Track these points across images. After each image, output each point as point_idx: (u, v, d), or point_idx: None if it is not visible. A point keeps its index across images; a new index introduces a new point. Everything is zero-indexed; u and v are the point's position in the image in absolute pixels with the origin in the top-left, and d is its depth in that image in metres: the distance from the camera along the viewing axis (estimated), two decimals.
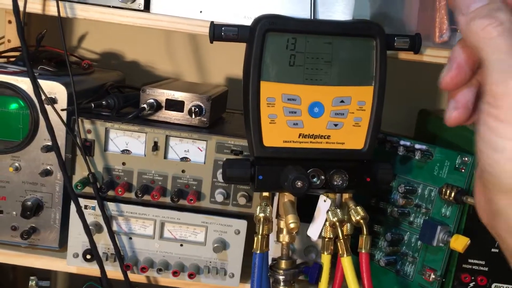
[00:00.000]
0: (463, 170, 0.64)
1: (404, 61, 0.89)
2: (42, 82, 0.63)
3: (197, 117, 0.66)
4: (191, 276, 0.65)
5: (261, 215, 0.57)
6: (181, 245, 0.67)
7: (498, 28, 0.29)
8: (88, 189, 0.65)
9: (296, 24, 0.55)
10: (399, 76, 0.96)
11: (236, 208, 0.66)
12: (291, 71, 0.56)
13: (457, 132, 0.75)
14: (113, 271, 0.67)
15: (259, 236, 0.57)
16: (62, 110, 0.63)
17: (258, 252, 0.57)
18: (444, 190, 0.64)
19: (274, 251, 0.67)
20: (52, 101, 0.64)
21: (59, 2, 0.61)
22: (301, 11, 0.60)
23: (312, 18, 0.59)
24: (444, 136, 0.78)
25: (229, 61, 0.95)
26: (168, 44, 0.97)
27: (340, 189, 0.58)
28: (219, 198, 0.65)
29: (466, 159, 0.64)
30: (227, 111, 0.82)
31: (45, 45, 0.85)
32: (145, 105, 0.64)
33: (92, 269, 0.66)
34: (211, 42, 0.56)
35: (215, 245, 0.65)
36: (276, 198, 0.64)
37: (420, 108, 0.94)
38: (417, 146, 0.69)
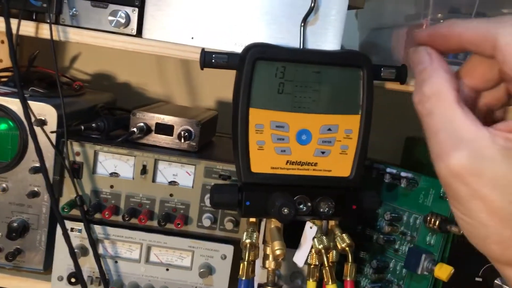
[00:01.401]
0: (447, 199, 0.65)
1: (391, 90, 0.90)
2: (32, 104, 0.64)
3: (186, 142, 0.66)
4: None
5: (248, 241, 0.57)
6: (167, 269, 0.66)
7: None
8: (76, 212, 0.65)
9: (286, 53, 0.56)
10: (386, 105, 0.97)
11: (223, 233, 0.66)
12: (280, 99, 0.57)
13: None
14: None
15: (245, 262, 0.57)
16: (52, 132, 0.63)
17: (244, 278, 0.57)
18: (429, 218, 0.65)
19: (260, 277, 0.67)
20: (42, 122, 0.64)
21: (52, 25, 0.62)
22: (291, 40, 0.61)
23: (301, 47, 0.61)
24: (430, 163, 0.79)
25: (219, 85, 0.96)
26: (160, 67, 0.98)
27: (326, 216, 0.58)
28: (207, 222, 0.65)
29: None
30: (217, 135, 0.82)
31: (36, 66, 0.85)
32: (134, 129, 0.65)
33: None
34: (202, 69, 0.57)
35: (201, 270, 0.65)
36: (263, 224, 0.64)
37: (406, 136, 0.95)
38: (402, 174, 0.70)
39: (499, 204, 0.27)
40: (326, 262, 0.58)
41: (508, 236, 0.28)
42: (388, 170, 0.72)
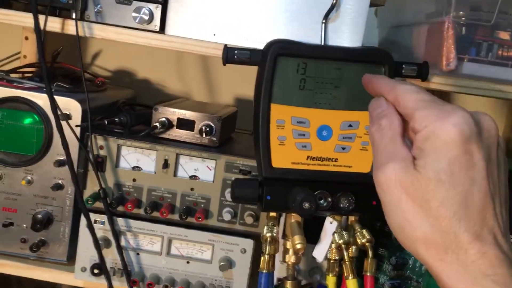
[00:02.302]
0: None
1: None
2: (58, 99, 0.65)
3: (207, 137, 0.67)
4: None
5: (268, 235, 0.58)
6: (188, 262, 0.67)
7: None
8: (98, 204, 0.66)
9: (307, 49, 0.57)
10: None
11: (243, 227, 0.67)
12: (301, 95, 0.57)
13: None
14: (120, 286, 0.67)
15: (266, 256, 0.57)
16: (77, 126, 0.64)
17: (265, 271, 0.57)
18: None
19: (279, 271, 0.67)
20: (67, 117, 0.65)
21: (78, 22, 0.63)
22: (311, 37, 0.62)
23: (322, 44, 0.61)
24: None
25: (238, 82, 0.97)
26: (179, 64, 0.99)
27: (346, 212, 0.59)
28: (227, 216, 0.66)
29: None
30: (236, 131, 0.83)
31: (59, 62, 0.87)
32: (157, 123, 0.66)
33: (99, 284, 0.67)
34: (224, 65, 0.58)
35: (221, 263, 0.66)
36: (282, 218, 0.65)
37: None
38: None
39: (412, 205, 0.34)
40: (346, 257, 0.58)
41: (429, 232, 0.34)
42: None
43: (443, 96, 0.96)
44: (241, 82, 0.97)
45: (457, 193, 0.33)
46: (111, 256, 0.67)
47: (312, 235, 0.62)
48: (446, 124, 0.33)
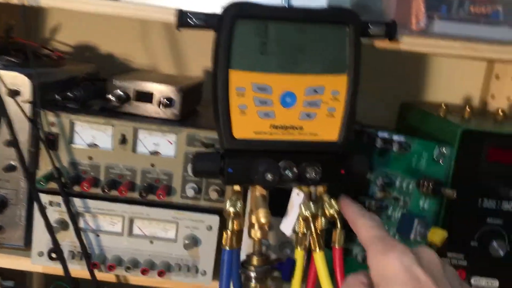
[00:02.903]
0: (441, 162, 0.63)
1: (385, 53, 0.87)
2: (4, 73, 0.61)
3: (167, 109, 0.63)
4: (161, 274, 0.63)
5: (231, 209, 0.55)
6: (151, 242, 0.64)
7: None
8: (54, 185, 0.62)
9: (267, 10, 0.53)
10: (379, 69, 0.94)
11: (208, 203, 0.64)
12: (262, 60, 0.53)
13: (437, 124, 0.73)
14: (80, 270, 0.64)
15: (228, 232, 0.54)
16: (24, 102, 0.60)
17: (227, 248, 0.54)
18: (421, 182, 0.62)
19: (248, 247, 0.65)
20: (15, 93, 0.61)
21: None
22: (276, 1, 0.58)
23: (284, 5, 0.57)
24: (424, 129, 0.77)
25: (207, 53, 0.92)
26: (145, 35, 0.94)
27: (313, 182, 0.56)
28: (190, 192, 0.63)
29: (444, 150, 0.62)
30: (202, 104, 0.79)
31: (13, 36, 0.82)
32: (111, 96, 0.61)
33: (59, 268, 0.64)
34: (178, 29, 0.54)
35: (186, 241, 0.63)
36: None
37: (401, 101, 0.92)
38: (395, 137, 0.67)
39: None
40: (313, 230, 0.55)
41: None
42: (380, 134, 0.69)
43: (415, 57, 0.93)
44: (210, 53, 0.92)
45: None
46: (70, 239, 0.64)
47: (281, 208, 0.59)
48: (390, 259, 0.38)
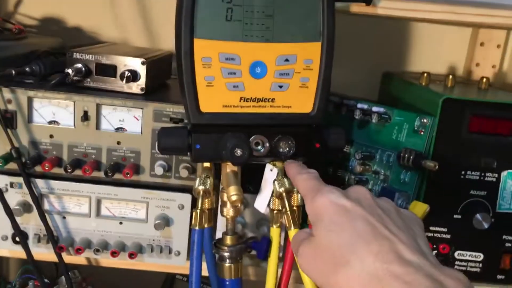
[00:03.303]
0: (422, 133, 0.60)
1: (368, 21, 0.83)
2: None
3: (131, 83, 0.59)
4: (131, 256, 0.60)
5: (201, 187, 0.52)
6: (121, 223, 0.61)
7: None
8: (14, 166, 0.58)
9: None
10: (362, 37, 0.90)
11: (178, 181, 0.61)
12: (228, 27, 0.50)
13: (418, 93, 0.70)
14: (47, 254, 0.61)
15: (198, 211, 0.52)
16: None
17: (197, 228, 0.51)
18: (402, 154, 0.60)
19: (223, 225, 0.62)
20: None
21: None
22: None
23: None
24: (406, 98, 0.74)
25: None
26: (113, 7, 0.89)
27: (287, 157, 0.53)
28: (159, 171, 0.59)
29: (425, 120, 0.60)
30: (173, 78, 0.75)
31: None
32: (70, 70, 0.57)
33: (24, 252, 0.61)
34: None
35: (157, 221, 0.60)
36: None
37: (384, 71, 0.89)
38: (374, 109, 0.64)
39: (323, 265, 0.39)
40: (287, 206, 0.52)
41: None
42: (359, 105, 0.66)
43: (397, 24, 0.89)
44: None
45: (347, 233, 0.37)
46: (34, 222, 0.60)
47: (257, 184, 0.57)
48: (318, 199, 0.41)
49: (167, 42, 0.90)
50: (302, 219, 0.54)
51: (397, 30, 0.91)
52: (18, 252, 0.62)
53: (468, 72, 0.89)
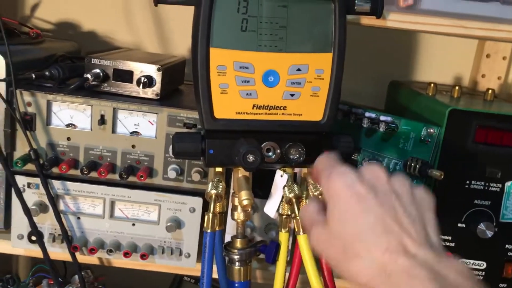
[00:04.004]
0: (428, 142, 0.61)
1: (375, 31, 0.85)
2: None
3: (147, 88, 0.61)
4: (143, 257, 0.62)
5: (213, 191, 0.53)
6: (133, 224, 0.63)
7: None
8: (32, 167, 0.60)
9: None
10: (368, 47, 0.92)
11: (190, 184, 0.62)
12: (243, 37, 0.52)
13: (425, 103, 0.71)
14: (61, 253, 0.63)
15: (210, 214, 0.53)
16: None
17: (209, 231, 0.53)
18: (408, 163, 0.61)
19: (232, 229, 0.64)
20: None
21: None
22: None
23: None
24: (413, 108, 0.75)
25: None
26: (127, 13, 0.91)
27: (297, 163, 0.54)
28: (172, 174, 0.61)
29: (431, 130, 0.61)
30: (186, 83, 0.77)
31: None
32: (89, 75, 0.59)
33: (39, 251, 0.62)
34: (156, 5, 0.52)
35: (169, 224, 0.62)
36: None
37: (390, 80, 0.90)
38: (382, 118, 0.66)
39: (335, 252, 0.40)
40: (297, 212, 0.54)
41: None
42: (367, 114, 0.68)
43: (404, 35, 0.91)
44: None
45: (359, 225, 0.38)
46: (50, 222, 0.62)
47: (266, 190, 0.58)
48: (332, 180, 0.41)
49: (179, 48, 0.93)
50: None
51: (404, 40, 0.93)
52: (33, 251, 0.64)
53: (474, 83, 0.90)
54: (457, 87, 0.73)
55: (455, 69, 0.93)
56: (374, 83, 0.93)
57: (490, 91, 0.75)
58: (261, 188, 0.62)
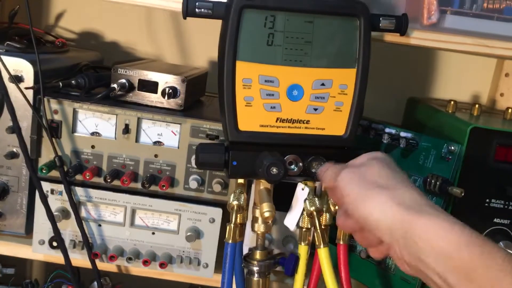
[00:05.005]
0: (449, 160, 0.62)
1: (393, 47, 0.86)
2: (7, 59, 0.60)
3: (171, 99, 0.62)
4: (162, 265, 0.62)
5: (235, 203, 0.54)
6: (153, 233, 0.64)
7: None
8: (55, 173, 0.61)
9: (275, 0, 0.52)
10: (387, 63, 0.93)
11: (211, 195, 0.63)
12: (269, 51, 0.52)
13: (444, 121, 0.72)
14: (81, 259, 0.63)
15: (232, 225, 0.54)
16: (27, 88, 0.59)
17: (230, 242, 0.54)
18: (429, 180, 0.61)
19: (251, 240, 0.64)
20: (18, 79, 0.60)
21: None
22: None
23: None
24: (431, 125, 0.76)
25: (213, 43, 0.91)
26: (150, 24, 0.93)
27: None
28: (193, 184, 0.62)
29: (452, 148, 0.61)
30: (207, 94, 0.78)
31: (17, 22, 0.81)
32: (115, 85, 0.60)
33: (60, 257, 0.63)
34: (184, 18, 0.53)
35: (189, 233, 0.62)
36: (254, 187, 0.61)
37: (409, 96, 0.91)
38: (402, 134, 0.66)
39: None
40: (318, 225, 0.55)
41: None
42: (387, 130, 0.68)
43: (423, 53, 0.91)
44: (216, 43, 0.91)
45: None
46: (71, 228, 0.63)
47: (285, 202, 0.59)
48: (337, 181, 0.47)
49: (199, 60, 0.94)
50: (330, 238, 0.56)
51: (422, 57, 0.93)
52: (53, 256, 0.65)
53: (492, 101, 0.90)
54: (476, 105, 0.73)
55: (473, 87, 0.94)
56: (391, 99, 0.93)
57: (510, 110, 0.75)
58: (279, 201, 0.62)
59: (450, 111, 0.73)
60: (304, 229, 0.57)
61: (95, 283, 0.66)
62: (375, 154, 0.50)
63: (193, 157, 0.61)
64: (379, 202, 0.42)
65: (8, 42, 0.66)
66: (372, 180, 0.45)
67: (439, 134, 0.68)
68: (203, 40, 0.93)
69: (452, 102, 0.73)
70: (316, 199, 0.55)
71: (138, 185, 0.62)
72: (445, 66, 0.93)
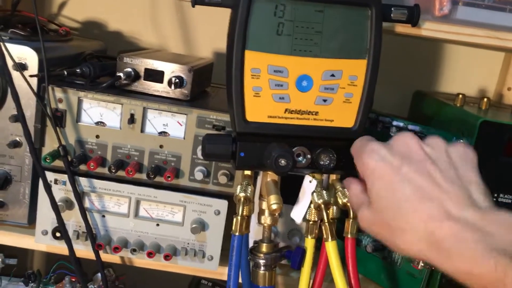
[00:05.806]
0: None
1: (398, 40, 0.84)
2: (11, 46, 0.59)
3: (178, 89, 0.61)
4: (167, 257, 0.62)
5: (242, 194, 0.53)
6: (158, 224, 0.63)
7: None
8: (59, 163, 0.60)
9: None
10: (394, 56, 0.92)
11: (216, 187, 0.62)
12: (279, 41, 0.52)
13: (453, 114, 0.71)
14: (84, 250, 0.63)
15: (239, 217, 0.53)
16: (31, 76, 0.58)
17: (237, 234, 0.53)
18: None
19: (256, 233, 0.63)
20: (22, 67, 0.59)
21: None
22: None
23: None
24: (439, 118, 0.75)
25: (217, 33, 0.90)
26: (154, 14, 0.92)
27: (327, 170, 0.54)
28: (199, 176, 0.61)
29: (461, 142, 0.60)
30: (212, 85, 0.77)
31: (21, 10, 0.80)
32: (121, 74, 0.59)
33: (63, 248, 0.62)
34: (193, 6, 0.52)
35: (193, 225, 0.61)
36: (260, 178, 0.60)
37: (415, 89, 0.90)
38: (410, 127, 0.65)
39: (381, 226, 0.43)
40: (325, 218, 0.54)
41: None
42: (395, 123, 0.67)
43: (430, 45, 0.90)
44: (221, 33, 0.89)
45: (397, 200, 0.39)
46: (75, 219, 0.62)
47: (291, 195, 0.58)
48: (364, 160, 0.42)
49: (203, 50, 0.93)
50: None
51: (429, 50, 0.92)
52: (55, 247, 0.64)
53: (499, 95, 0.90)
54: (485, 99, 0.73)
55: (480, 81, 0.93)
56: (396, 92, 0.92)
57: None
58: (286, 193, 0.62)
59: (458, 105, 0.72)
60: (311, 222, 0.56)
61: (99, 274, 0.65)
62: None
63: (199, 148, 0.60)
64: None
65: (12, 30, 0.65)
66: None
67: (447, 127, 0.68)
68: (208, 31, 0.92)
69: (460, 96, 0.72)
70: (324, 191, 0.55)
71: (143, 176, 0.61)
72: (452, 60, 0.92)
